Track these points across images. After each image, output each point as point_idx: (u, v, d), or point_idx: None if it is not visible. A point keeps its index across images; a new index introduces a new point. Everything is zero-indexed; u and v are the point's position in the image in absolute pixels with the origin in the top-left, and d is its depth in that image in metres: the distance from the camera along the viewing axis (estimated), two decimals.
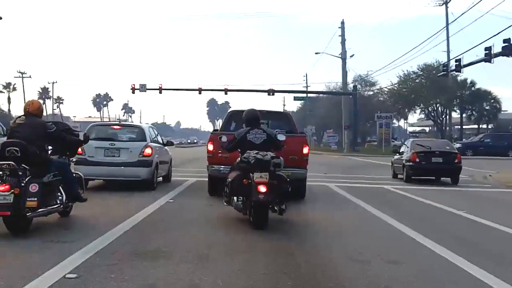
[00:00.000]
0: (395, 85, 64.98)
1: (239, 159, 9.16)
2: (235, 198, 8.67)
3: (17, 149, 7.33)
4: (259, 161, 8.36)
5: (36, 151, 7.53)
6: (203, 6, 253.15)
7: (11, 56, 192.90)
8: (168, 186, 14.98)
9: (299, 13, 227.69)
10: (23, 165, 7.25)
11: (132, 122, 20.81)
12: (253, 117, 9.61)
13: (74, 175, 8.69)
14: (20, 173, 7.15)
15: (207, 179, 12.92)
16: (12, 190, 6.91)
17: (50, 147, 8.20)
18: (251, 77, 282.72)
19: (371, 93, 77.69)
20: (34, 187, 7.11)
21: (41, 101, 9.06)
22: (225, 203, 9.19)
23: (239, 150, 9.35)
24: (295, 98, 66.88)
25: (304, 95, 70.01)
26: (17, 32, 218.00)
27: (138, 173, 13.39)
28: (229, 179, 8.88)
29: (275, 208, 8.47)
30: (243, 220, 8.80)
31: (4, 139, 15.39)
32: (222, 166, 11.34)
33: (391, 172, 22.82)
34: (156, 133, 16.11)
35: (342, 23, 62.97)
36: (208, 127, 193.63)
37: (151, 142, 14.28)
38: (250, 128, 9.37)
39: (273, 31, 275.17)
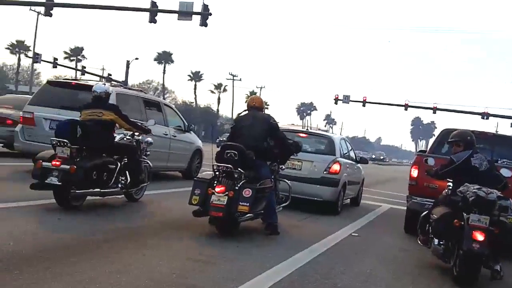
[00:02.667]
0: None
1: (446, 190, 7.14)
2: (435, 239, 6.86)
3: (236, 152, 7.31)
4: (480, 200, 6.14)
5: (252, 157, 7.45)
6: (412, 18, 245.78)
7: (225, 59, 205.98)
8: (355, 212, 12.58)
9: None
10: (239, 169, 7.21)
11: (326, 131, 18.86)
12: (472, 140, 7.23)
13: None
14: (236, 176, 7.17)
15: (404, 208, 10.29)
16: (227, 193, 6.97)
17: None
18: (460, 97, 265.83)
19: None
20: (247, 192, 7.07)
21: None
22: (419, 242, 7.57)
23: (448, 181, 7.20)
24: None
25: None
26: (232, 36, 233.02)
27: (320, 192, 11.18)
28: (434, 216, 6.78)
29: (490, 265, 6.23)
30: (444, 271, 6.74)
31: (185, 135, 14.88)
32: (428, 200, 8.61)
33: None
34: (349, 147, 13.71)
35: None
36: (409, 146, 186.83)
37: (341, 157, 11.95)
38: (473, 151, 7.05)
39: (491, 48, 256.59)
